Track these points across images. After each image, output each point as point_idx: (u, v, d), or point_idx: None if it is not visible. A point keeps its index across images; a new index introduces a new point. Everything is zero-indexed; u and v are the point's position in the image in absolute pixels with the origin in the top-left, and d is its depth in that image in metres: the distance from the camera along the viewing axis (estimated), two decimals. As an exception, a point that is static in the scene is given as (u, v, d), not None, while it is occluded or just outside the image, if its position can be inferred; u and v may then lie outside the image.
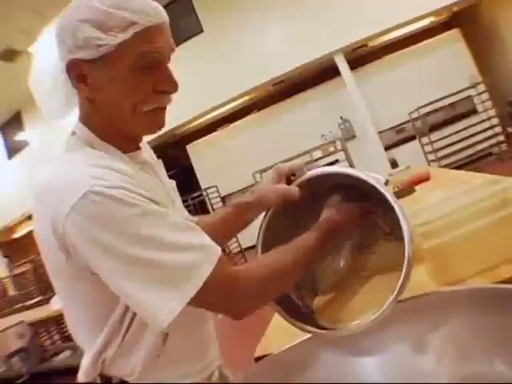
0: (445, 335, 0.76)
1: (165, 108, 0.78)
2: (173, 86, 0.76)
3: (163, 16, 0.73)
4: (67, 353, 5.14)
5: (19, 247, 11.15)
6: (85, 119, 0.78)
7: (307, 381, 0.83)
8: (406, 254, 0.71)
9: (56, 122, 0.82)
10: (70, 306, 0.77)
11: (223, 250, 0.72)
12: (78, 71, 0.72)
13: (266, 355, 0.89)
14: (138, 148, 0.83)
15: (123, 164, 0.72)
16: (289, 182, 0.89)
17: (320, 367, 0.84)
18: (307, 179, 0.86)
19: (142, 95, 0.73)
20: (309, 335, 0.82)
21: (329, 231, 0.80)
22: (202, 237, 0.69)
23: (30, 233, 10.80)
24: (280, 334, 1.10)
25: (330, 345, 0.83)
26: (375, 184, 0.74)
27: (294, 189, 0.85)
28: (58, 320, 5.15)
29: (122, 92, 0.72)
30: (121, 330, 0.72)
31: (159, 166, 0.91)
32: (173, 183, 0.93)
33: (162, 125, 0.79)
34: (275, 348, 0.88)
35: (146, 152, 0.88)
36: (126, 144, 0.79)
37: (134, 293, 0.64)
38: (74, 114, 0.80)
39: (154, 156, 0.94)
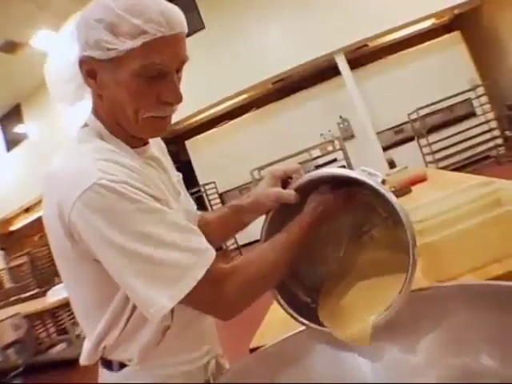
0: (436, 330, 0.76)
1: (168, 116, 0.79)
2: (176, 99, 0.76)
3: (177, 27, 0.72)
4: (62, 345, 5.16)
5: (16, 240, 11.16)
6: (96, 112, 0.80)
7: (300, 373, 0.84)
8: (411, 260, 0.70)
9: (65, 107, 0.83)
10: (73, 291, 0.79)
11: (220, 248, 0.74)
12: (88, 67, 0.74)
13: (261, 347, 0.90)
14: (146, 143, 0.85)
15: (130, 159, 0.74)
16: (285, 185, 0.88)
17: (314, 360, 0.84)
18: (305, 182, 0.84)
19: (145, 103, 0.74)
20: (303, 327, 0.83)
21: (312, 222, 0.79)
22: (199, 239, 0.71)
23: (28, 225, 10.81)
24: (275, 326, 1.12)
25: (324, 338, 0.83)
26: (378, 187, 0.73)
27: (288, 193, 0.83)
28: (53, 313, 5.16)
29: (125, 96, 0.73)
30: (122, 317, 0.75)
31: (167, 159, 0.93)
32: (179, 176, 0.96)
33: (163, 131, 0.80)
34: (270, 340, 0.89)
35: (156, 145, 0.90)
36: (134, 139, 0.81)
37: (130, 284, 0.66)
38: (84, 104, 0.82)
39: (164, 147, 0.96)
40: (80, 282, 0.76)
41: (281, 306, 0.83)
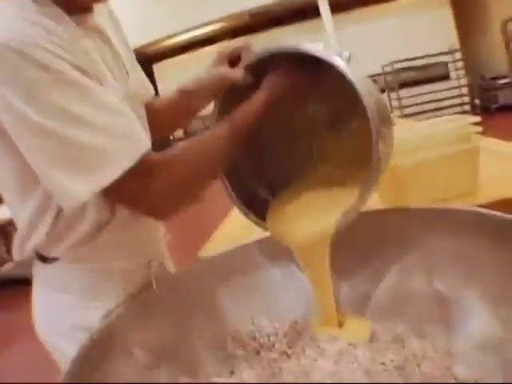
0: (389, 252, 0.74)
1: None
2: None
3: None
4: (11, 264, 5.07)
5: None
6: None
7: (247, 284, 0.80)
8: (374, 156, 0.60)
9: None
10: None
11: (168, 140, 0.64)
12: None
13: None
14: (89, 10, 0.71)
15: (60, 24, 0.61)
16: (233, 65, 0.76)
17: (263, 273, 0.81)
18: (257, 60, 0.71)
19: None
20: (255, 239, 0.80)
21: (265, 106, 0.68)
22: (131, 124, 0.60)
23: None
24: (227, 238, 1.09)
25: (277, 251, 0.77)
26: (343, 68, 0.60)
27: (234, 72, 0.73)
28: (2, 230, 5.02)
29: None
30: (48, 212, 0.66)
31: (116, 31, 0.80)
32: (132, 56, 0.84)
33: None
34: (220, 250, 0.85)
35: (108, 18, 0.77)
36: (72, 5, 0.66)
37: (41, 167, 0.57)
38: None
39: (115, 17, 0.82)
40: (2, 168, 0.65)
41: (230, 197, 0.77)
